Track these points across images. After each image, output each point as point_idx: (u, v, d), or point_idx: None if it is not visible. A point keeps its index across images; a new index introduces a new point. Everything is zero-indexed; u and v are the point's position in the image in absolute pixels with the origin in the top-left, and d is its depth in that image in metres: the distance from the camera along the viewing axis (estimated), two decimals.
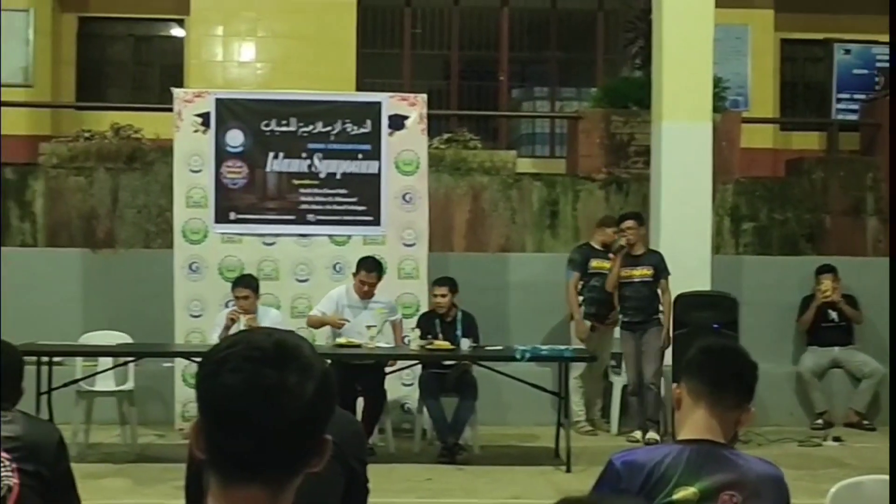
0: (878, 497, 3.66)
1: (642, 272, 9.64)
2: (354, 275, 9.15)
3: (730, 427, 3.08)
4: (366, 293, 9.11)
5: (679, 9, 10.25)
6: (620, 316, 9.78)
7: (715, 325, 9.17)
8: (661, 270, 9.63)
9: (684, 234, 10.20)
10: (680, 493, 2.96)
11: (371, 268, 9.12)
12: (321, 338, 9.23)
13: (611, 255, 9.91)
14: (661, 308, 9.62)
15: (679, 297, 9.54)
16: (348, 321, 9.04)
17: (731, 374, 3.07)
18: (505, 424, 10.22)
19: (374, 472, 7.88)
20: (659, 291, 9.64)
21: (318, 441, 1.72)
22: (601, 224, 10.39)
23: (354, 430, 3.38)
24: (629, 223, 9.72)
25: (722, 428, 3.05)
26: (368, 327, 8.98)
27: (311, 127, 9.95)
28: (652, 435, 9.34)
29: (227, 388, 1.65)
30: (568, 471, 8.43)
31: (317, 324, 9.22)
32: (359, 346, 8.85)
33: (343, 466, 3.17)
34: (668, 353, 9.57)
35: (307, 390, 1.67)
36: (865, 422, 10.31)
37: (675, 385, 3.14)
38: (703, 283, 10.01)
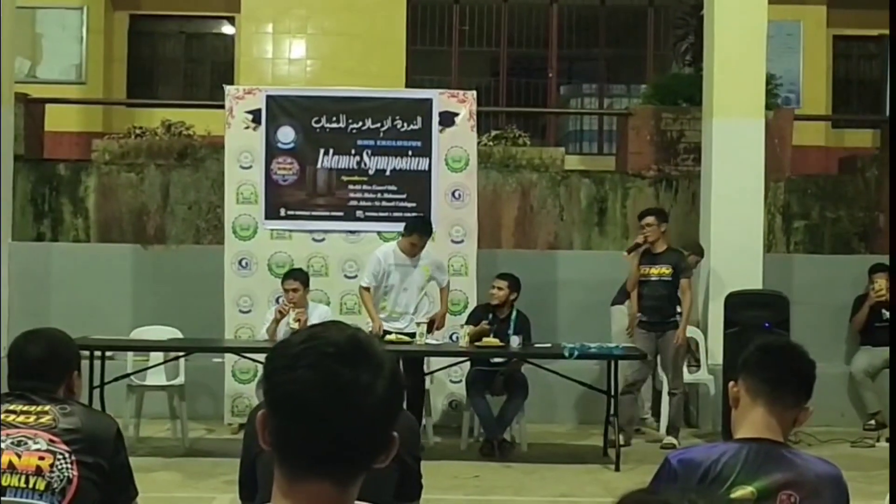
0: None
1: (660, 271, 9.34)
2: (404, 236, 9.15)
3: (788, 426, 3.05)
4: (414, 253, 9.13)
5: (732, 5, 10.17)
6: (639, 315, 9.46)
7: (766, 325, 9.08)
8: (680, 270, 9.34)
9: (735, 232, 10.11)
10: (738, 493, 2.94)
11: (424, 231, 9.18)
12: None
13: (623, 254, 9.62)
14: (679, 310, 9.36)
15: (730, 295, 9.47)
16: (388, 332, 8.98)
17: (790, 372, 3.04)
18: (553, 422, 10.20)
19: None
20: (679, 293, 9.36)
21: (387, 438, 1.73)
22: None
23: (409, 425, 3.39)
24: (649, 219, 9.43)
25: (780, 426, 3.03)
26: (418, 324, 8.99)
27: (360, 124, 9.97)
28: (670, 440, 9.13)
29: (303, 383, 1.66)
30: (616, 469, 8.40)
31: (366, 308, 9.18)
32: (409, 341, 8.86)
33: (397, 462, 3.18)
34: (718, 352, 9.49)
35: (379, 388, 1.68)
36: None
37: (731, 383, 3.11)
38: (754, 282, 9.92)
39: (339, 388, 1.65)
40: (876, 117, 14.61)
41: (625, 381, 9.23)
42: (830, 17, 15.07)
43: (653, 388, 10.04)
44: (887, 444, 9.48)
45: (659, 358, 9.46)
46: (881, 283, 10.37)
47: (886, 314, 10.42)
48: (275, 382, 1.70)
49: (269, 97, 10.03)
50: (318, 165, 9.97)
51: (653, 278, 9.37)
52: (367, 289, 9.12)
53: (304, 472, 1.69)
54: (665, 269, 9.33)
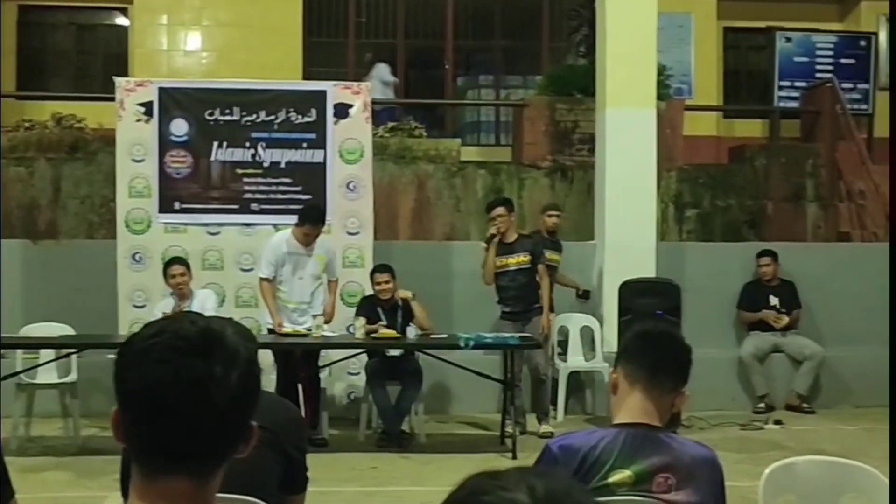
0: (810, 477, 3.70)
1: (518, 259, 9.24)
2: (297, 225, 8.97)
3: (665, 411, 3.09)
4: (308, 242, 9.03)
5: None
6: (500, 306, 9.44)
7: (658, 312, 9.20)
8: (537, 256, 9.26)
9: (629, 221, 10.23)
10: (615, 476, 2.98)
11: (318, 220, 9.04)
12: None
13: (483, 246, 9.50)
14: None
15: (624, 283, 9.57)
16: (286, 327, 8.93)
17: (667, 358, 3.08)
18: (451, 412, 10.24)
19: (318, 461, 7.88)
20: (537, 278, 9.30)
21: (245, 428, 1.70)
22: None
23: (291, 417, 3.36)
24: (499, 210, 9.30)
25: (658, 411, 3.06)
26: (314, 317, 8.95)
27: (254, 116, 9.89)
28: (546, 428, 9.14)
29: (153, 379, 1.62)
30: (514, 458, 8.44)
31: (265, 300, 9.10)
32: (305, 335, 8.82)
33: (280, 454, 3.16)
34: (613, 340, 9.59)
35: (233, 379, 1.65)
36: (806, 405, 10.43)
37: (611, 370, 3.15)
38: (647, 270, 10.05)
39: (191, 381, 1.62)
40: (764, 107, 14.90)
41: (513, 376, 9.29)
42: (720, 9, 15.36)
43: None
44: (776, 427, 9.70)
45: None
46: (766, 269, 10.67)
47: (774, 300, 10.68)
48: (125, 379, 1.66)
49: (161, 89, 9.89)
50: (212, 158, 9.87)
51: (511, 268, 9.27)
52: (267, 280, 9.03)
53: (160, 469, 1.65)
54: (523, 257, 9.24)
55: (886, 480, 3.64)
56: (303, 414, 9.13)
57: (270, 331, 9.01)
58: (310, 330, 8.89)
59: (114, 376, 1.69)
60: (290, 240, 9.04)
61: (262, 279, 9.07)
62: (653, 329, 3.26)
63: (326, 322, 9.11)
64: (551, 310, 9.54)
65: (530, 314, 9.28)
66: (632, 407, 3.07)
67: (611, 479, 2.98)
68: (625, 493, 2.97)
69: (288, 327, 8.90)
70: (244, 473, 2.77)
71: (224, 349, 1.67)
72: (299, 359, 8.98)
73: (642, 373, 3.05)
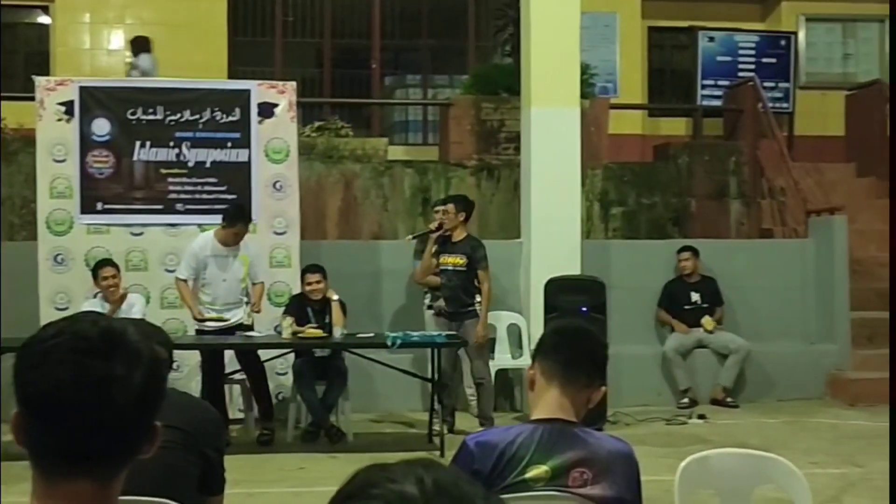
0: (725, 470, 3.76)
1: (455, 260, 9.19)
2: (225, 226, 8.96)
3: (581, 406, 3.13)
4: (235, 243, 9.01)
5: None
6: (439, 304, 9.40)
7: (583, 309, 9.28)
8: (475, 260, 9.15)
9: (554, 219, 10.27)
10: (532, 472, 3.01)
11: (247, 219, 9.08)
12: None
13: (408, 238, 9.50)
14: (479, 299, 9.26)
15: (549, 281, 9.63)
16: (204, 318, 8.92)
17: (582, 354, 3.11)
18: (379, 411, 10.24)
19: (245, 462, 7.82)
20: (476, 282, 9.25)
21: (149, 429, 1.69)
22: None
23: (209, 418, 3.35)
24: (448, 206, 9.31)
25: (574, 407, 3.10)
26: (246, 303, 8.99)
27: (178, 115, 9.81)
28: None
29: (54, 380, 1.61)
30: (442, 455, 8.45)
31: (182, 297, 9.07)
32: (227, 320, 8.87)
33: (197, 455, 3.14)
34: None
35: (136, 379, 1.64)
36: (730, 399, 10.57)
37: (528, 367, 3.18)
38: (573, 268, 10.10)
39: (92, 382, 1.60)
40: (688, 106, 15.08)
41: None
42: (644, 8, 15.50)
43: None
44: (699, 421, 9.83)
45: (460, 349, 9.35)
46: (686, 263, 10.81)
47: (695, 297, 10.81)
48: (25, 381, 1.64)
49: (82, 88, 9.77)
50: (135, 158, 9.78)
51: (448, 267, 9.28)
52: (185, 281, 8.99)
53: (62, 472, 1.63)
54: (459, 259, 9.20)
55: (799, 471, 3.71)
56: (255, 412, 9.18)
57: (199, 332, 8.97)
58: (242, 327, 8.89)
59: (13, 378, 1.67)
60: (213, 242, 9.01)
61: (178, 279, 9.04)
62: (568, 326, 3.29)
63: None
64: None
65: (463, 316, 9.23)
66: (548, 403, 3.10)
67: (528, 475, 3.00)
68: (541, 488, 3.00)
69: (211, 313, 8.86)
70: (160, 475, 2.76)
71: (126, 349, 1.65)
72: (241, 359, 9.01)
73: (558, 369, 3.08)
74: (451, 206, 9.34)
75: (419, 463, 1.21)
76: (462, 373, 9.61)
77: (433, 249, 9.33)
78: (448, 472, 1.20)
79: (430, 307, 9.77)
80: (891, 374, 9.49)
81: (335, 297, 9.16)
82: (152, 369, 1.67)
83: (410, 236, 9.78)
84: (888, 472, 7.75)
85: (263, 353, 9.37)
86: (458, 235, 9.27)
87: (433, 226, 9.38)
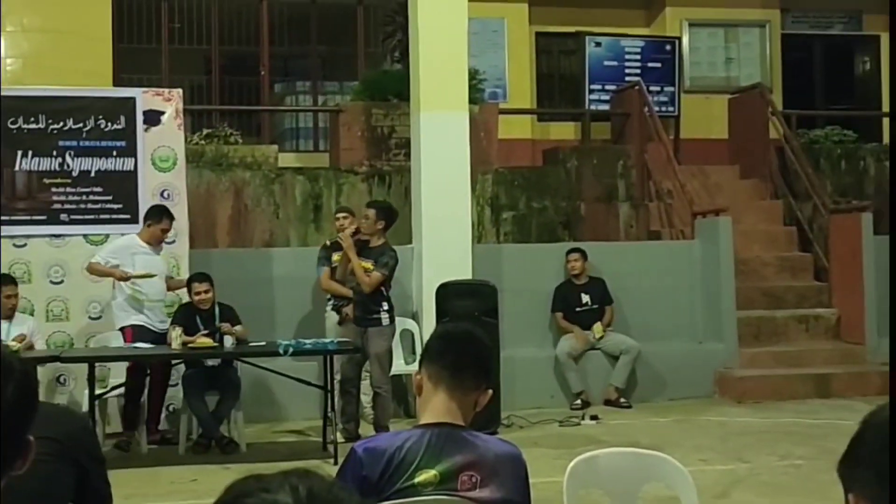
0: (613, 469, 3.81)
1: (365, 265, 9.07)
2: (152, 224, 9.15)
3: (469, 409, 3.13)
4: (161, 240, 9.26)
5: (433, 2, 10.37)
6: (349, 308, 9.43)
7: (476, 313, 9.32)
8: (379, 266, 9.05)
9: (445, 224, 10.34)
10: (421, 477, 3.00)
11: (171, 216, 9.25)
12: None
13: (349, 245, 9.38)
14: (385, 307, 9.17)
15: (441, 286, 9.66)
16: (128, 273, 9.00)
17: (467, 357, 3.12)
18: (274, 420, 10.15)
19: (136, 476, 7.70)
20: (384, 291, 9.17)
21: (21, 443, 1.65)
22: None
23: (82, 425, 3.26)
24: (368, 212, 9.26)
25: (461, 410, 3.10)
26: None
27: (61, 124, 9.62)
28: None
29: None
30: (335, 463, 8.43)
31: (100, 273, 9.13)
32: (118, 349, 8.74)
33: (72, 465, 3.05)
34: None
35: (7, 393, 1.60)
36: (623, 400, 10.71)
37: (415, 372, 3.18)
38: (464, 272, 10.16)
39: None
40: (576, 110, 15.25)
41: (341, 378, 9.26)
42: (532, 14, 15.64)
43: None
44: (592, 422, 9.94)
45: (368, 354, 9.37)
46: (575, 264, 10.94)
47: (585, 298, 10.93)
48: None
49: None
50: (17, 168, 9.55)
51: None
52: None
53: None
54: (368, 265, 9.13)
55: (685, 468, 3.77)
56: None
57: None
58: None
59: None
60: (137, 241, 9.16)
61: (92, 262, 9.10)
62: (453, 330, 3.30)
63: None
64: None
65: (369, 322, 9.14)
66: (436, 407, 3.10)
67: (417, 480, 3.00)
68: (430, 492, 3.00)
69: (142, 313, 9.06)
70: (36, 490, 2.68)
71: None
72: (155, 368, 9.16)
73: (444, 373, 3.09)
74: (371, 212, 9.25)
75: (295, 473, 1.21)
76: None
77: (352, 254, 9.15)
78: (323, 481, 1.20)
79: (338, 313, 9.74)
80: (891, 375, 9.71)
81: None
82: (24, 382, 1.64)
83: (328, 242, 9.84)
84: (774, 468, 7.96)
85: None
86: (375, 242, 9.17)
87: (349, 231, 9.26)
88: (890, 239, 11.04)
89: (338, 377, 9.19)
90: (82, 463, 3.06)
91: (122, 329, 9.05)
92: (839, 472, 1.38)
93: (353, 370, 9.24)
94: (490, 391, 3.17)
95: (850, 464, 1.39)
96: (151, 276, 9.03)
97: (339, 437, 8.71)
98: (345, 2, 15.87)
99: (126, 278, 8.97)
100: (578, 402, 10.63)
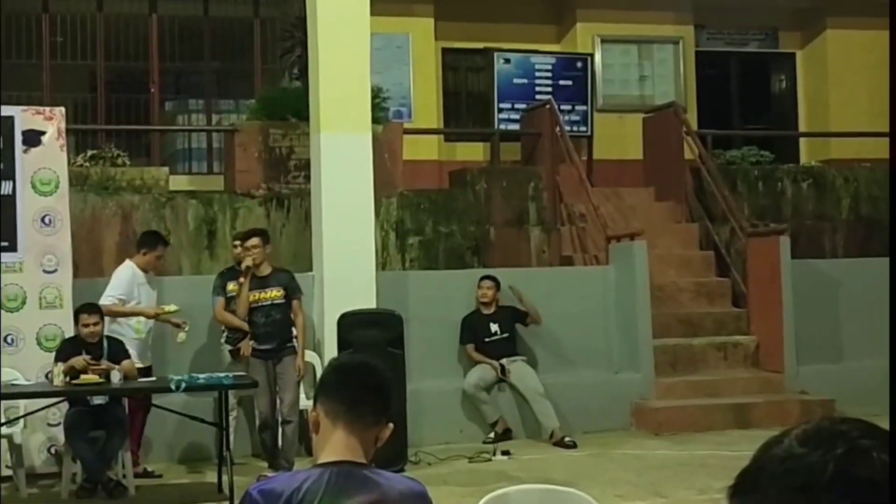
0: None
1: (273, 294, 9.24)
2: (147, 252, 9.53)
3: (370, 445, 3.12)
4: (155, 267, 9.72)
5: (334, 17, 10.35)
6: (253, 343, 9.34)
7: (380, 344, 9.30)
8: (292, 290, 9.31)
9: (347, 249, 10.30)
10: None
11: (166, 241, 9.95)
12: None
13: (240, 280, 9.43)
14: (295, 333, 9.34)
15: (343, 315, 9.63)
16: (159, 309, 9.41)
17: (365, 390, 3.10)
18: (168, 460, 10.01)
19: None
20: (291, 315, 9.34)
21: None
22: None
23: None
24: (254, 241, 9.29)
25: (362, 447, 3.08)
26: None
27: None
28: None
29: None
30: None
31: (124, 314, 9.41)
32: None
33: None
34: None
35: None
36: (568, 438, 10.35)
37: (311, 409, 3.16)
38: (368, 301, 10.13)
39: None
40: (485, 130, 15.32)
41: (260, 417, 9.27)
42: (438, 29, 15.70)
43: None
44: (504, 458, 9.95)
45: (278, 386, 9.35)
46: (487, 292, 10.94)
47: (494, 328, 10.94)
48: None
49: None
50: None
51: (265, 303, 9.27)
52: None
53: None
54: (277, 292, 9.24)
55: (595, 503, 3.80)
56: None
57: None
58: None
59: None
60: (136, 270, 9.49)
61: (108, 306, 9.23)
62: (349, 361, 3.30)
63: None
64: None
65: (284, 352, 9.22)
66: (335, 444, 3.08)
67: None
68: None
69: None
70: None
71: None
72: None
73: (342, 408, 3.07)
74: (257, 240, 9.31)
75: None
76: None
77: (248, 285, 9.25)
78: None
79: (231, 347, 9.68)
80: (891, 380, 9.84)
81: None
82: None
83: (224, 270, 10.17)
84: (692, 502, 8.05)
85: (31, 404, 9.06)
86: (266, 269, 9.31)
87: (249, 262, 9.25)
88: (890, 249, 11.17)
89: (258, 420, 9.41)
90: None
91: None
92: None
93: (269, 406, 9.25)
94: (391, 425, 3.16)
95: (744, 490, 1.40)
96: (178, 310, 9.35)
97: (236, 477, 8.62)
98: (240, 15, 15.81)
99: (156, 315, 9.32)
100: (492, 434, 10.60)
